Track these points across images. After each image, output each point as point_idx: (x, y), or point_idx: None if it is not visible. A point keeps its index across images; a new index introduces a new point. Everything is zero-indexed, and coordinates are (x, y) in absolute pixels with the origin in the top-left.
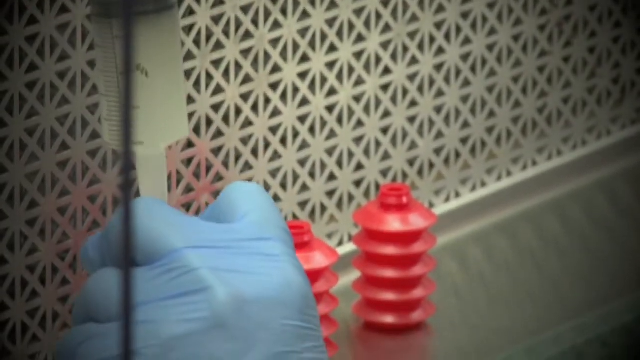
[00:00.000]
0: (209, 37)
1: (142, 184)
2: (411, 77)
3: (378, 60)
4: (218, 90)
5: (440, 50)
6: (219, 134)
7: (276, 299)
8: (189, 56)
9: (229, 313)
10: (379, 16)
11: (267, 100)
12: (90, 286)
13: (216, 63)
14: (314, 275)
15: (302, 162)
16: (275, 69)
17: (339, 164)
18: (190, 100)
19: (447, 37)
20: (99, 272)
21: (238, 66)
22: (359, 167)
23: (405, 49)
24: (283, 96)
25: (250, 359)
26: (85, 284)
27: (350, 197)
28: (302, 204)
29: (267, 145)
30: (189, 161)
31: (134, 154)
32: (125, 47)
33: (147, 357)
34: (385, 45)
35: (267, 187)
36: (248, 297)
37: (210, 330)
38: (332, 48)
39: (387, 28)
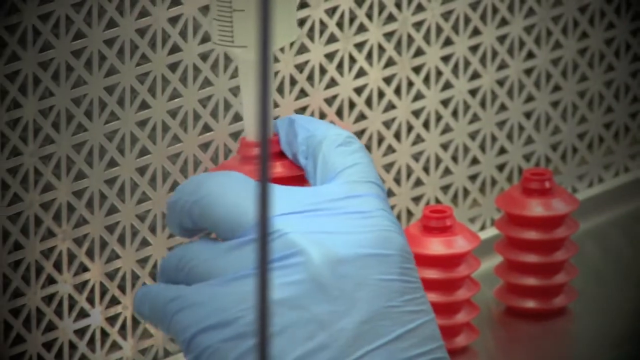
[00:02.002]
0: (352, 19)
1: (244, 88)
2: (555, 62)
3: (522, 44)
4: (361, 73)
5: (584, 35)
6: (361, 117)
7: (372, 256)
8: (332, 39)
9: (325, 274)
10: (522, 0)
11: (410, 84)
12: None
13: (359, 46)
14: (455, 260)
15: (445, 146)
16: (419, 52)
17: (482, 148)
18: (332, 82)
19: (591, 21)
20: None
21: (381, 49)
22: (502, 151)
23: (549, 33)
24: (426, 80)
25: (352, 317)
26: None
27: (493, 182)
28: (445, 188)
29: (409, 128)
30: None
31: (238, 58)
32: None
33: (248, 323)
34: (528, 29)
35: (409, 171)
36: (342, 256)
37: (309, 292)
38: (476, 32)
39: (531, 12)
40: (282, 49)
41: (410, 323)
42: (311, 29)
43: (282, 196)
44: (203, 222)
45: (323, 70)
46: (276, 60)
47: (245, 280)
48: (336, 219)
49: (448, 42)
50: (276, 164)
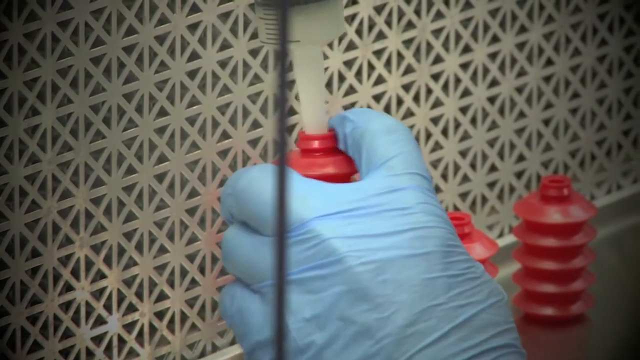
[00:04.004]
0: (371, 27)
1: (299, 83)
2: (574, 69)
3: (540, 51)
4: (380, 80)
5: (604, 42)
6: None
7: (412, 257)
8: (351, 46)
9: (366, 281)
10: (541, 7)
11: (429, 91)
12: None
13: (378, 53)
14: None
15: (463, 153)
16: (437, 59)
17: (501, 155)
18: (351, 90)
19: (610, 29)
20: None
21: (400, 56)
22: (521, 158)
23: (568, 40)
24: (445, 87)
25: (395, 322)
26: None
27: (512, 189)
28: (463, 195)
29: (428, 136)
30: None
31: (291, 54)
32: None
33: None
34: (547, 36)
35: None
36: (382, 260)
37: (353, 302)
38: (494, 39)
39: (549, 19)
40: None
41: (458, 318)
42: None
43: (321, 195)
44: (240, 215)
45: (342, 78)
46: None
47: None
48: (375, 218)
49: (467, 49)
50: (328, 160)
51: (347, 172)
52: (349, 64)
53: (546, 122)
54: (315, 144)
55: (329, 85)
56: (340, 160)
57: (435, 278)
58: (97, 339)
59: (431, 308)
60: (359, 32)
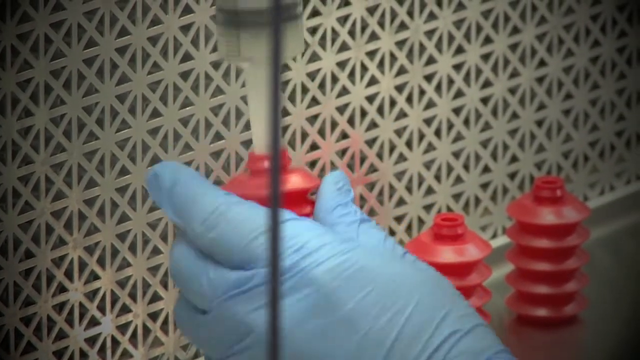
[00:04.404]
0: (364, 28)
1: (251, 102)
2: (566, 70)
3: (533, 52)
4: (373, 81)
5: (596, 43)
6: (373, 125)
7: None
8: (343, 47)
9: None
10: (534, 8)
11: (422, 92)
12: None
13: (371, 54)
14: (467, 268)
15: (456, 154)
16: (430, 60)
17: (494, 156)
18: (344, 91)
19: (602, 29)
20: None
21: (393, 57)
22: (514, 159)
23: (561, 41)
24: (438, 88)
25: None
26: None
27: (505, 190)
28: (456, 196)
29: (421, 137)
30: (343, 152)
31: (244, 70)
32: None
33: None
34: (540, 37)
35: (421, 179)
36: None
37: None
38: (488, 40)
39: (542, 20)
40: (294, 58)
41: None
42: (323, 37)
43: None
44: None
45: (335, 79)
46: (288, 68)
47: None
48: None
49: (460, 50)
50: (286, 177)
51: (304, 188)
52: (341, 65)
53: (539, 123)
54: (266, 164)
55: (322, 86)
56: (294, 178)
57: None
58: (91, 340)
59: None
60: (351, 33)
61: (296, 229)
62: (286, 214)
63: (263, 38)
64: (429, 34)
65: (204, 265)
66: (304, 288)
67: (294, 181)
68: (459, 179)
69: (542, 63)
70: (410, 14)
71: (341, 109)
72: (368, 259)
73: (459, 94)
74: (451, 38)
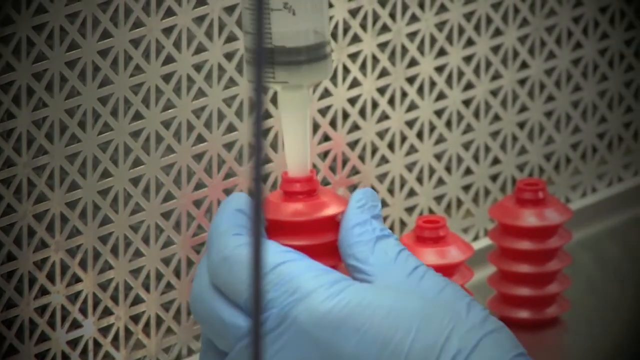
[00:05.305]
0: (346, 30)
1: (284, 124)
2: (548, 72)
3: (515, 54)
4: (355, 83)
5: (578, 45)
6: (355, 127)
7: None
8: None
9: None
10: (517, 10)
11: (404, 94)
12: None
13: (353, 56)
14: (449, 270)
15: (438, 157)
16: (412, 62)
17: (476, 158)
18: (326, 93)
19: (584, 32)
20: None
21: (375, 60)
22: (496, 161)
23: (543, 43)
24: (420, 90)
25: None
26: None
27: (487, 192)
28: (438, 199)
29: (403, 139)
30: (325, 155)
31: (278, 93)
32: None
33: None
34: (522, 39)
35: (403, 181)
36: None
37: None
38: (470, 42)
39: (525, 22)
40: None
41: None
42: None
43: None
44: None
45: None
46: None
47: None
48: None
49: (442, 52)
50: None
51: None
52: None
53: (521, 126)
54: (297, 187)
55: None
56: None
57: None
58: (73, 343)
59: None
60: (334, 35)
61: (292, 272)
62: (285, 255)
63: (300, 67)
64: (411, 36)
65: (220, 309)
66: (302, 343)
67: (322, 207)
68: (441, 181)
69: (524, 65)
70: (392, 16)
71: (323, 112)
72: (361, 297)
73: (441, 96)
74: (433, 40)
